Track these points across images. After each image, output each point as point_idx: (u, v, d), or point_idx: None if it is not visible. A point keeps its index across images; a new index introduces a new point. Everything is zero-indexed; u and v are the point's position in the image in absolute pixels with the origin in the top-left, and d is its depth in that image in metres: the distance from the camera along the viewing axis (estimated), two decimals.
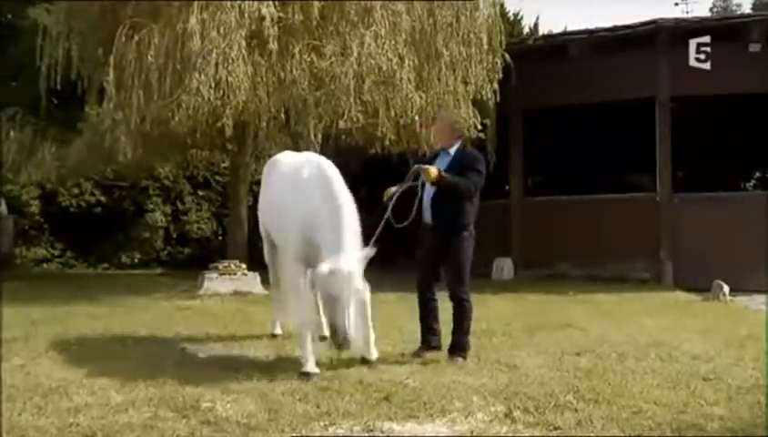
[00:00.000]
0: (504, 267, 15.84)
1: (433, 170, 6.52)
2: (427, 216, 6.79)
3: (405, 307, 8.84)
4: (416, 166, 6.81)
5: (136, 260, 19.98)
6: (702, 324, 9.16)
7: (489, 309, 9.62)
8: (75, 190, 19.24)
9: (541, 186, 22.03)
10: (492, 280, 15.08)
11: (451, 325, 6.75)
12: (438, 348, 6.77)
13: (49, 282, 15.13)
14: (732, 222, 14.24)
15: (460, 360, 6.58)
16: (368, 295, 6.33)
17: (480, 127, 13.51)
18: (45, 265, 19.29)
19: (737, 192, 20.95)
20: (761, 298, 11.65)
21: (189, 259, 19.58)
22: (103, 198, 19.68)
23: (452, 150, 6.86)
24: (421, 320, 6.90)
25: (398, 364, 6.46)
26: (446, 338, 6.80)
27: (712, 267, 13.06)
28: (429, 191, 6.76)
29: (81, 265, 19.61)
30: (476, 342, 7.05)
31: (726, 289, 11.94)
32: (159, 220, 20.19)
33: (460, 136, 7.07)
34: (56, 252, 19.66)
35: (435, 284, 6.91)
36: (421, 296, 6.89)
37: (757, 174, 24.86)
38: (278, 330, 7.84)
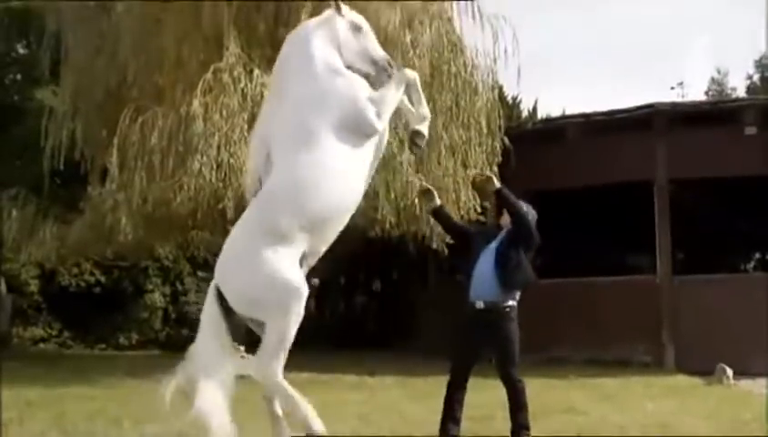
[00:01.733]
0: None
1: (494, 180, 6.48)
2: (476, 294, 6.58)
3: (404, 391, 8.76)
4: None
5: (134, 341, 19.84)
6: (705, 408, 9.05)
7: (489, 394, 9.45)
8: (75, 270, 19.23)
9: (541, 268, 21.88)
10: (492, 364, 14.87)
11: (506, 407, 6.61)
12: None
13: (46, 363, 14.99)
14: (733, 304, 14.15)
15: None
16: None
17: (479, 209, 13.57)
18: (42, 345, 19.16)
19: (737, 274, 20.90)
20: (763, 381, 11.53)
21: (188, 341, 19.36)
22: (102, 278, 19.67)
23: (505, 224, 6.71)
24: (447, 407, 6.53)
25: None
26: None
27: (714, 350, 12.91)
28: (485, 257, 6.57)
29: (78, 345, 19.47)
30: (477, 427, 6.97)
31: (730, 372, 11.85)
32: (158, 301, 20.14)
33: None
34: (54, 332, 19.56)
35: (472, 370, 6.66)
36: (455, 382, 6.60)
37: (757, 255, 24.84)
38: None
